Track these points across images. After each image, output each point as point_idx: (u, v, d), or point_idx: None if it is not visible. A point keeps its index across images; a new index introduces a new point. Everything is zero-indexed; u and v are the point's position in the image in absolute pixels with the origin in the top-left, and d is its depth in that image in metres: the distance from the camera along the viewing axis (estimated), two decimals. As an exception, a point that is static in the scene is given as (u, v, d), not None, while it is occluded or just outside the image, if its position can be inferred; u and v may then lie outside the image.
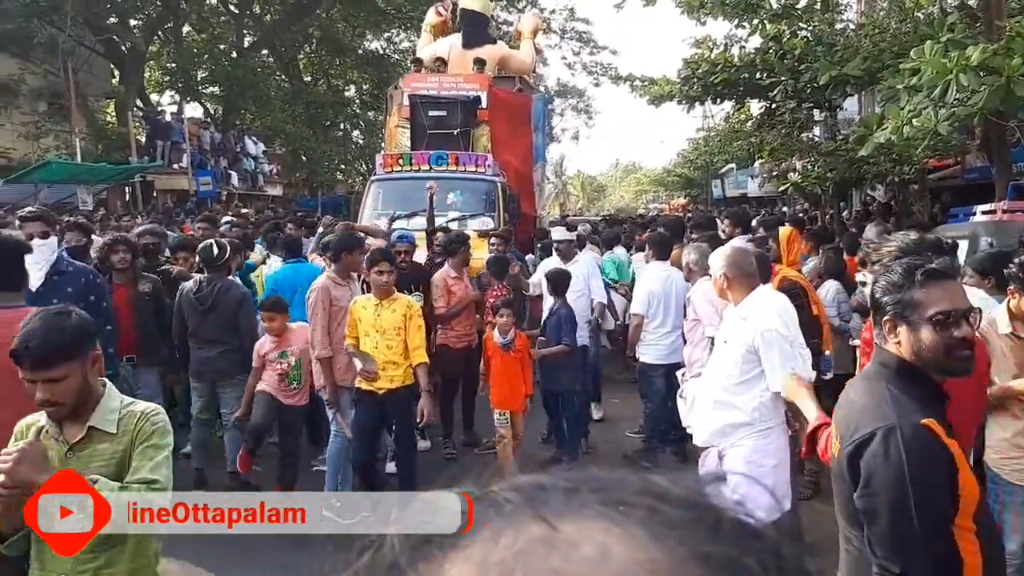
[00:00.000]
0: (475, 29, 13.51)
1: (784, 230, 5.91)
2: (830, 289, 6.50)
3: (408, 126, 11.64)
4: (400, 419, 5.41)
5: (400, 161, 10.88)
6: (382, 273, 5.20)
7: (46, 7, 20.14)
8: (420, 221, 9.18)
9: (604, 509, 0.39)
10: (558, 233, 8.12)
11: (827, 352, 5.30)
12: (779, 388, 3.64)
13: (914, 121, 6.01)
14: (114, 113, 26.10)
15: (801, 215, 15.07)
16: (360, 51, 30.93)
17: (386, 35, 29.65)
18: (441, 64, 12.60)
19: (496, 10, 15.78)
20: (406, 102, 11.75)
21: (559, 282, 6.45)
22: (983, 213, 7.15)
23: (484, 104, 11.63)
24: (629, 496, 0.40)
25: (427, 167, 10.59)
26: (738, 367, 3.68)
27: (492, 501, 0.41)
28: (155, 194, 23.03)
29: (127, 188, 21.64)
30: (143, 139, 24.04)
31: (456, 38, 13.57)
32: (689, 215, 19.31)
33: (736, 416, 3.69)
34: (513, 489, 0.42)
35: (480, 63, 12.47)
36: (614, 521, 0.38)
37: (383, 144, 13.04)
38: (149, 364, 5.94)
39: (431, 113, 11.33)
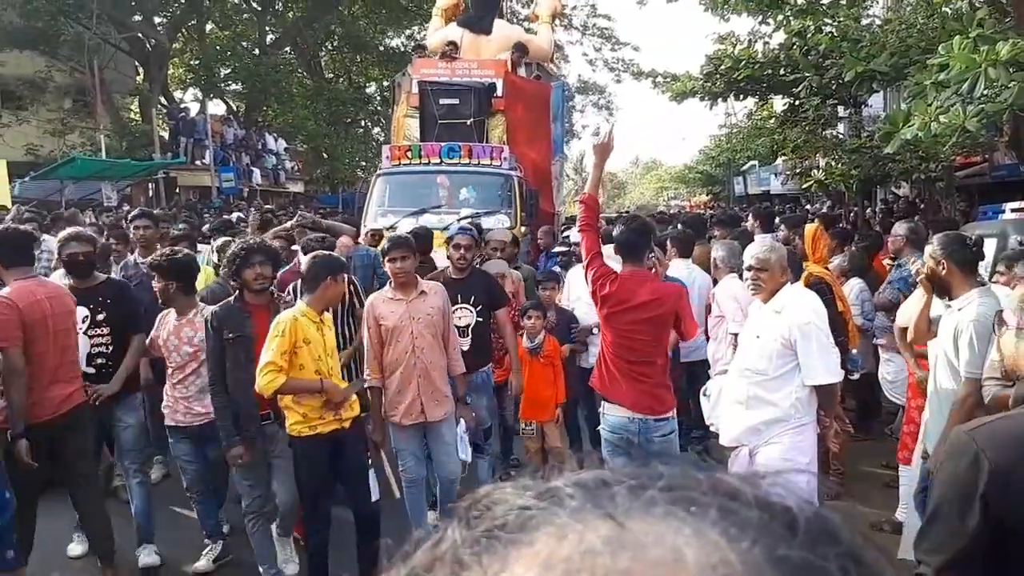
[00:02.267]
0: (483, 13, 12.53)
1: (810, 227, 5.86)
2: (854, 287, 6.43)
3: (417, 115, 10.72)
4: (358, 465, 4.28)
5: (408, 154, 10.04)
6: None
7: (72, 5, 20.38)
8: (431, 219, 8.61)
9: (673, 508, 0.38)
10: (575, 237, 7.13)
11: (853, 351, 5.25)
12: (816, 381, 3.60)
13: (941, 117, 5.92)
14: (138, 110, 26.36)
15: (827, 212, 14.92)
16: (381, 48, 31.00)
17: (407, 32, 29.65)
18: (453, 48, 11.64)
19: None
20: (415, 89, 10.79)
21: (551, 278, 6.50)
22: (1012, 211, 7.06)
23: (500, 92, 10.70)
24: (699, 495, 0.38)
25: (438, 160, 9.85)
26: (773, 362, 3.64)
27: (554, 496, 0.40)
28: (178, 190, 23.26)
29: (151, 184, 21.86)
30: (167, 136, 24.26)
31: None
32: (711, 212, 19.19)
33: (771, 412, 3.64)
34: (576, 484, 0.40)
35: (521, 49, 11.52)
36: (685, 521, 0.37)
37: (391, 136, 12.04)
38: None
39: (442, 101, 10.46)
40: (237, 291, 4.38)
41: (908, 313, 4.61)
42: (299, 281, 5.07)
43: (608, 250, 4.28)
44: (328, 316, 4.36)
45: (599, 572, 0.35)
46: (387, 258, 4.58)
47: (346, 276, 4.58)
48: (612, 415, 4.04)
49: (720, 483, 0.40)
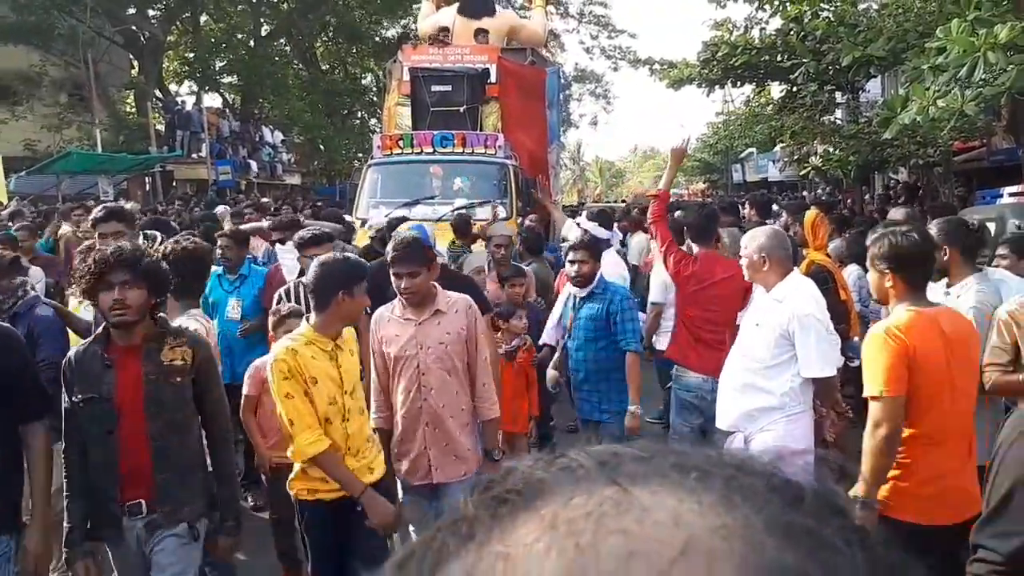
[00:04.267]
0: None
1: (809, 214, 5.82)
2: (852, 273, 6.42)
3: (409, 103, 10.39)
4: (374, 545, 3.30)
5: (400, 143, 9.72)
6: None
7: (65, -2, 20.30)
8: (424, 210, 8.36)
9: (680, 477, 0.39)
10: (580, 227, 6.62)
11: (855, 338, 5.23)
12: (812, 374, 3.60)
13: (939, 102, 5.91)
14: (134, 103, 26.28)
15: (826, 198, 14.90)
16: (377, 38, 30.88)
17: (403, 22, 29.53)
18: (445, 34, 11.35)
19: None
20: (406, 77, 10.45)
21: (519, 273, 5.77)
22: (1011, 195, 7.04)
23: (493, 78, 10.37)
24: (706, 467, 0.40)
25: (430, 149, 9.56)
26: (770, 350, 3.63)
27: (565, 466, 0.42)
28: (175, 184, 23.21)
29: (147, 178, 21.82)
30: (163, 129, 24.20)
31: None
32: (710, 200, 19.16)
33: (766, 400, 3.64)
34: (587, 455, 0.42)
35: (483, 34, 11.33)
36: (689, 488, 0.38)
37: (379, 124, 11.59)
38: None
39: (434, 88, 10.12)
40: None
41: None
42: (291, 285, 4.75)
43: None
44: (351, 334, 3.41)
45: (601, 532, 0.36)
46: (391, 272, 3.50)
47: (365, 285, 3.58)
48: (690, 378, 4.55)
49: (728, 457, 0.41)
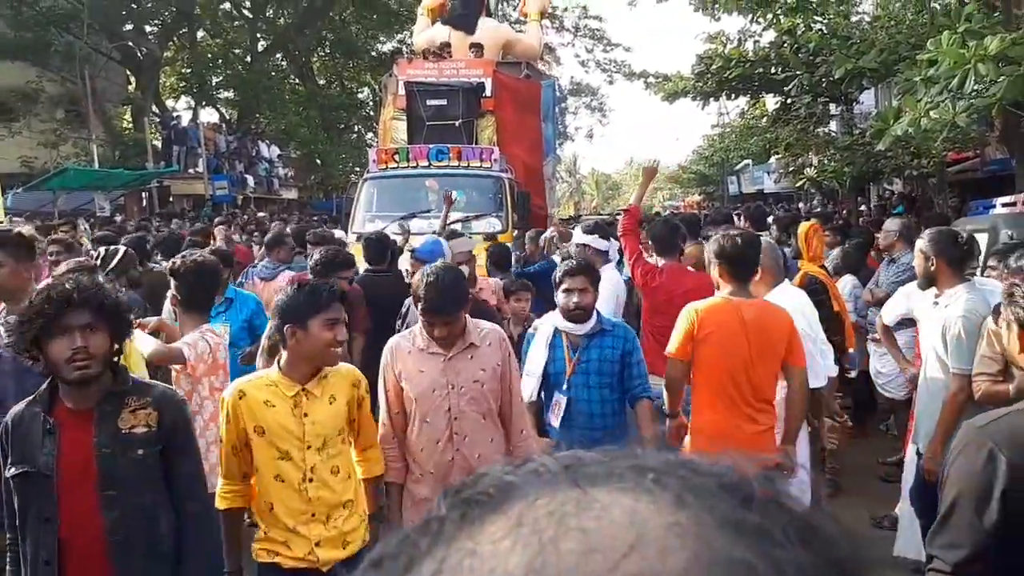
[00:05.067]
0: (469, 12, 12.33)
1: (803, 226, 5.87)
2: (847, 284, 6.44)
3: (404, 117, 10.42)
4: None
5: (396, 157, 9.71)
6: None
7: (63, 15, 20.38)
8: (419, 224, 8.34)
9: (637, 478, 0.42)
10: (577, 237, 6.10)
11: (851, 350, 5.24)
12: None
13: (932, 113, 5.94)
14: (130, 119, 26.35)
15: (820, 209, 14.95)
16: (373, 53, 31.03)
17: (399, 37, 29.68)
18: (445, 49, 11.45)
19: None
20: (402, 91, 10.50)
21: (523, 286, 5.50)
22: (1003, 205, 7.07)
23: (489, 92, 10.45)
24: (664, 470, 0.42)
25: (426, 163, 9.53)
26: None
27: (532, 469, 0.44)
28: (171, 199, 23.23)
29: (144, 193, 21.84)
30: (159, 145, 24.25)
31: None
32: (705, 212, 19.23)
33: None
34: (553, 461, 0.45)
35: (477, 48, 11.41)
36: (645, 488, 0.41)
37: (376, 138, 11.60)
38: None
39: (430, 102, 10.18)
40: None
41: (890, 310, 4.61)
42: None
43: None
44: (346, 377, 2.90)
45: (562, 529, 0.39)
46: (421, 315, 3.08)
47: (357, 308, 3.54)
48: (658, 386, 4.26)
49: (685, 462, 0.43)
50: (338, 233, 8.55)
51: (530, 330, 3.92)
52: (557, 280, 3.64)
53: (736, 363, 3.44)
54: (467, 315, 3.15)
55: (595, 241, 5.55)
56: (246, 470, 2.82)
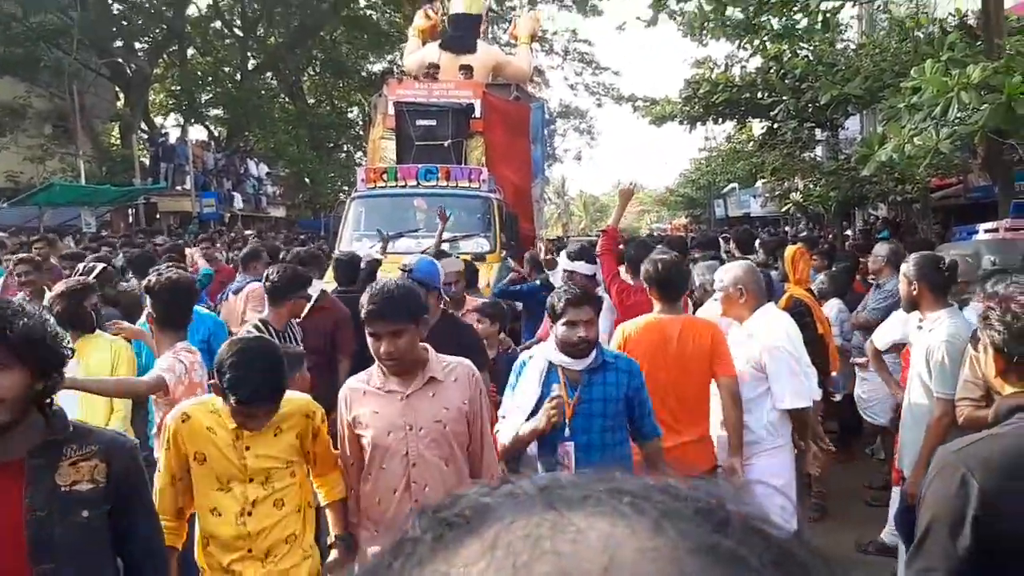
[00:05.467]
0: (465, 34, 12.41)
1: (790, 249, 5.93)
2: (833, 307, 6.47)
3: (393, 137, 10.47)
4: None
5: (384, 176, 9.72)
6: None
7: (53, 31, 20.38)
8: (407, 243, 8.35)
9: (613, 502, 0.42)
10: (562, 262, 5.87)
11: (834, 373, 5.26)
12: (785, 405, 3.62)
13: (915, 140, 6.01)
14: (118, 135, 26.30)
15: (807, 233, 15.05)
16: (364, 73, 31.17)
17: (389, 57, 29.84)
18: (434, 69, 11.52)
19: (489, 7, 14.39)
20: (391, 111, 10.58)
21: (500, 315, 5.26)
22: (986, 231, 7.14)
23: (478, 113, 10.51)
24: (641, 495, 0.42)
25: (414, 182, 9.54)
26: (745, 385, 3.66)
27: (509, 492, 0.44)
28: (158, 216, 23.15)
29: (131, 210, 21.75)
30: (147, 161, 24.21)
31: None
32: (692, 235, 19.33)
33: (745, 435, 3.66)
34: (531, 483, 0.45)
35: (466, 70, 11.53)
36: (622, 514, 0.41)
37: (364, 157, 11.62)
38: None
39: (419, 123, 10.21)
40: None
41: (883, 335, 4.64)
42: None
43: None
44: (296, 405, 2.72)
45: (537, 553, 0.39)
46: (367, 331, 2.79)
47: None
48: None
49: (663, 486, 0.44)
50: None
51: (521, 357, 3.45)
52: (557, 310, 3.14)
53: (662, 377, 3.56)
54: (430, 346, 2.87)
55: (582, 267, 5.45)
56: (182, 504, 2.65)
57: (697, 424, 3.65)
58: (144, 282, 3.84)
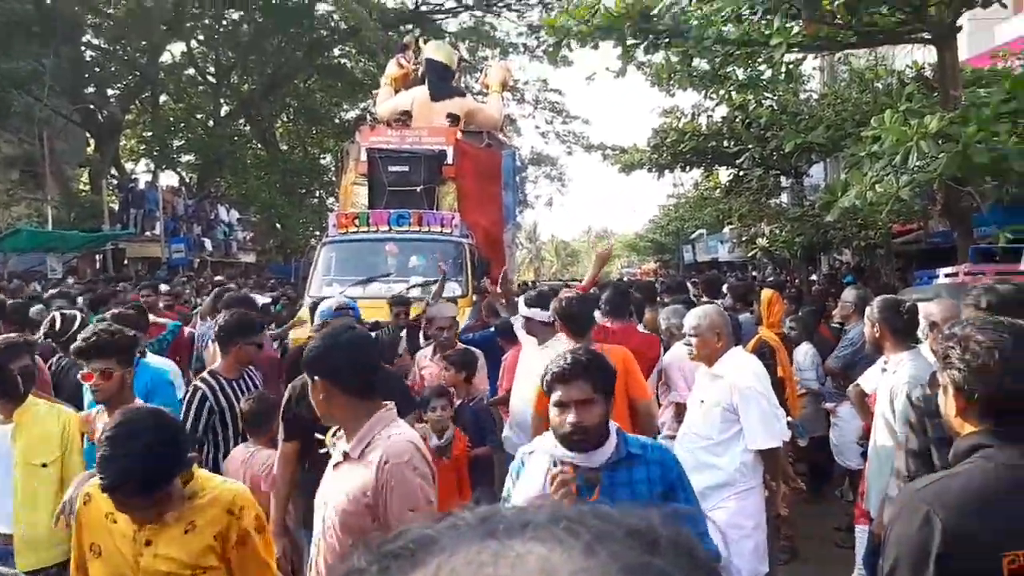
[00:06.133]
0: (442, 81, 12.59)
1: (767, 293, 6.05)
2: (808, 353, 6.56)
3: (366, 183, 10.51)
4: None
5: (356, 221, 9.70)
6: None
7: (24, 77, 20.29)
8: (379, 287, 8.33)
9: (551, 531, 0.44)
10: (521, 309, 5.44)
11: (789, 419, 5.29)
12: (758, 445, 3.64)
13: (877, 187, 6.18)
14: (88, 181, 26.11)
15: (775, 279, 15.28)
16: (337, 120, 31.37)
17: (363, 104, 30.10)
18: (407, 117, 11.63)
19: (460, 56, 14.70)
20: (363, 157, 10.60)
21: (467, 363, 5.15)
22: (946, 276, 7.30)
23: (450, 159, 10.55)
24: (576, 522, 0.45)
25: (386, 228, 9.54)
26: (716, 427, 3.68)
27: (451, 524, 0.46)
28: (126, 261, 22.90)
29: (98, 256, 21.50)
30: (116, 207, 24.02)
31: (420, 90, 12.51)
32: (661, 279, 19.52)
33: (717, 477, 3.67)
34: (471, 514, 0.47)
35: (453, 118, 11.66)
36: (558, 539, 0.43)
37: (337, 203, 11.67)
38: None
39: (391, 168, 10.28)
40: None
41: (869, 381, 4.66)
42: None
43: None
44: (227, 493, 2.33)
45: None
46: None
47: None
48: None
49: (597, 511, 0.46)
50: (260, 299, 8.29)
51: (519, 453, 2.73)
52: (545, 386, 2.46)
53: None
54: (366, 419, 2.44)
55: (538, 314, 5.14)
56: None
57: None
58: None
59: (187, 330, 7.32)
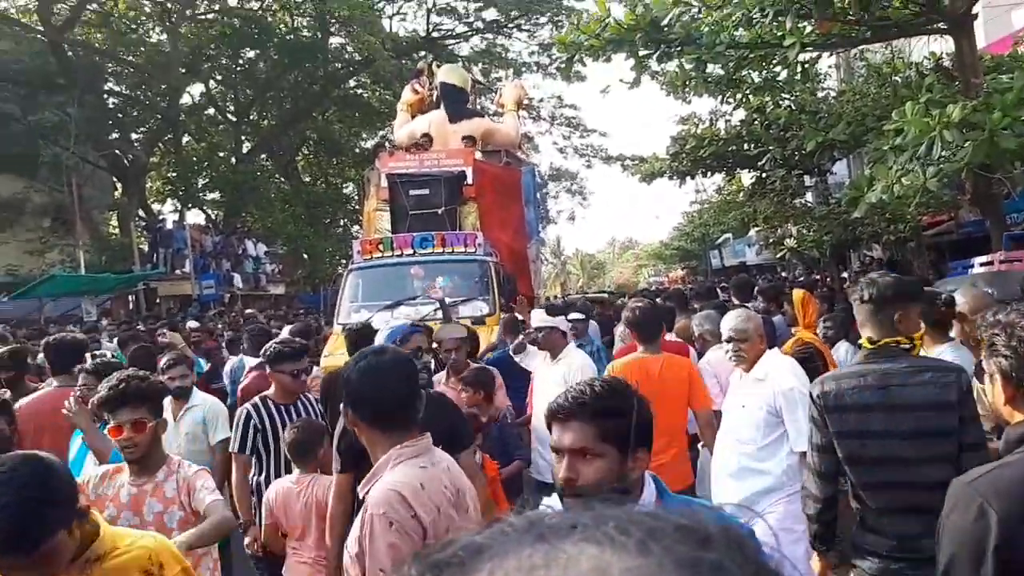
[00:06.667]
0: (458, 103, 12.66)
1: (797, 293, 5.97)
2: (848, 351, 6.48)
3: (387, 208, 10.65)
4: None
5: (380, 247, 9.81)
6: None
7: (50, 128, 20.79)
8: (405, 311, 8.36)
9: (601, 529, 0.44)
10: (537, 319, 5.55)
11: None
12: (804, 448, 3.59)
13: (903, 179, 6.11)
14: (117, 224, 26.60)
15: (806, 278, 15.13)
16: (357, 150, 31.70)
17: (381, 133, 30.41)
18: (427, 140, 11.70)
19: (474, 79, 14.78)
20: (384, 183, 10.73)
21: (482, 382, 4.94)
22: (981, 265, 7.20)
23: (470, 180, 10.66)
24: (626, 523, 0.45)
25: (410, 251, 9.60)
26: (760, 430, 3.64)
27: (499, 530, 0.46)
28: (158, 300, 23.26)
29: (131, 296, 21.86)
30: (146, 247, 24.43)
31: (436, 114, 12.56)
32: (690, 286, 19.42)
33: (765, 482, 3.62)
34: (519, 519, 0.47)
35: (470, 140, 11.70)
36: (609, 537, 0.43)
37: (361, 230, 11.75)
38: None
39: (412, 192, 10.34)
40: None
41: None
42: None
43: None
44: (143, 554, 2.12)
45: None
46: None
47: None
48: None
49: (645, 513, 0.46)
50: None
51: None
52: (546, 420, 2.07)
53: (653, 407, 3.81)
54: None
55: (562, 323, 5.29)
56: None
57: (672, 447, 4.28)
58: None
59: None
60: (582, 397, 1.87)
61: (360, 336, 5.71)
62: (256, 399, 4.43)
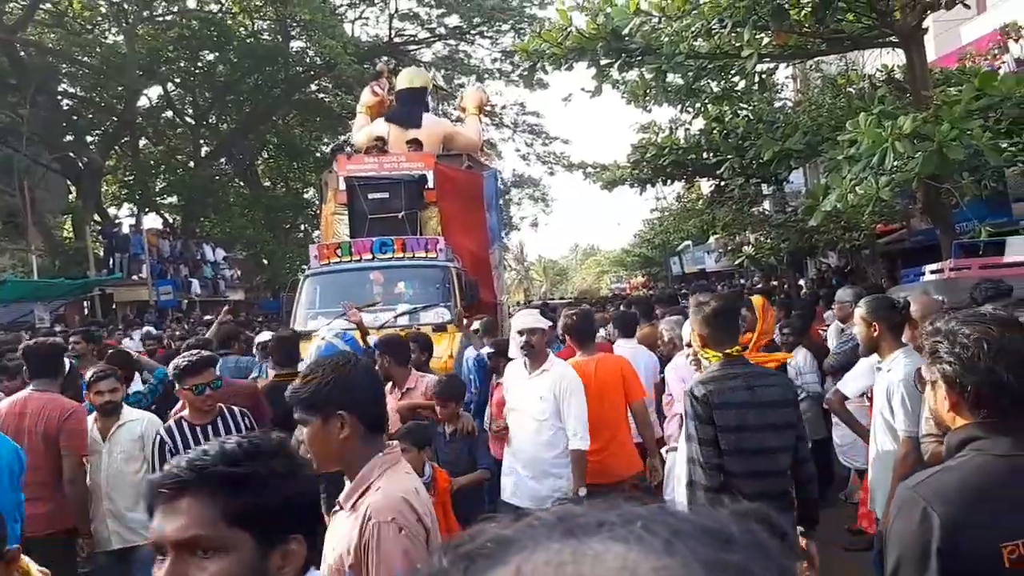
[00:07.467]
0: (411, 109, 12.50)
1: (757, 299, 6.07)
2: (806, 356, 6.59)
3: (346, 212, 10.33)
4: None
5: (338, 251, 9.54)
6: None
7: (1, 129, 20.30)
8: (366, 317, 7.93)
9: (628, 527, 0.45)
10: (523, 320, 4.84)
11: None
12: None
13: (857, 189, 6.26)
14: (71, 228, 26.03)
15: (763, 285, 15.36)
16: (318, 154, 31.46)
17: (342, 137, 30.19)
18: (382, 143, 11.49)
19: (436, 84, 14.61)
20: (342, 186, 10.45)
21: (452, 390, 4.97)
22: (931, 272, 7.38)
23: (431, 183, 10.46)
24: (651, 522, 0.46)
25: (369, 256, 9.34)
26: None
27: (528, 524, 0.48)
28: (114, 306, 22.79)
29: (86, 302, 21.39)
30: (101, 252, 23.93)
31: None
32: (651, 292, 19.59)
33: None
34: (546, 514, 0.48)
35: (416, 144, 11.50)
36: (637, 536, 0.44)
37: (318, 235, 11.38)
38: None
39: (371, 196, 10.05)
40: None
41: (854, 382, 4.70)
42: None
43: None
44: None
45: None
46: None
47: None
48: None
49: (670, 513, 0.48)
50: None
51: None
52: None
53: (596, 401, 4.56)
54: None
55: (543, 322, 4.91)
56: None
57: (616, 439, 4.76)
58: None
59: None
60: (203, 460, 1.32)
61: (280, 344, 5.43)
62: (171, 421, 4.12)
